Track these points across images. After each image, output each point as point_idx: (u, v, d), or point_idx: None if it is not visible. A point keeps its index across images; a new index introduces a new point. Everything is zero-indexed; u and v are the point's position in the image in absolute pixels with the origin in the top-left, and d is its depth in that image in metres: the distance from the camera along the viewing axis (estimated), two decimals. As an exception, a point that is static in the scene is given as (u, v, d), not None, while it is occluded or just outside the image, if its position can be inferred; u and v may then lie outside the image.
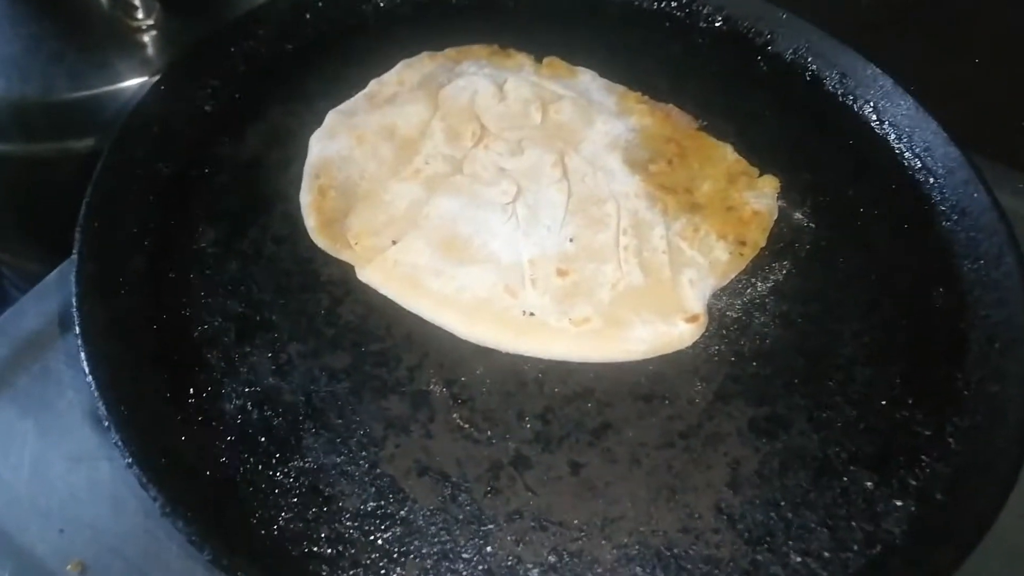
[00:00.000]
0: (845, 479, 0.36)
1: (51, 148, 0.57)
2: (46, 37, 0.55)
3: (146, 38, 0.56)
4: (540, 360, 0.39)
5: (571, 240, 0.43)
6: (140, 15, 0.55)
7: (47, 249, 0.65)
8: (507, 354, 0.39)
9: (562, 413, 0.37)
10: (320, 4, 0.52)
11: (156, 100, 0.44)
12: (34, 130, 0.56)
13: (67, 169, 0.59)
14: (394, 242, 0.42)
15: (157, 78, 0.45)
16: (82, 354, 0.34)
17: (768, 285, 0.42)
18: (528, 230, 0.43)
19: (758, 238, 0.44)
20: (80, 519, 0.37)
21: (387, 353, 0.38)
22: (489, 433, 0.36)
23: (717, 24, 0.55)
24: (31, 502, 0.37)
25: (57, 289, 0.45)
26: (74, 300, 0.36)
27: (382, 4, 0.53)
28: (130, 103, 0.54)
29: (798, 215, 0.45)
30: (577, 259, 0.42)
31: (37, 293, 0.45)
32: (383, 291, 0.40)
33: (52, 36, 0.55)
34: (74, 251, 0.38)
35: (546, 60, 0.52)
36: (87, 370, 0.34)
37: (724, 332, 0.40)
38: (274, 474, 0.34)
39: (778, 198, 0.46)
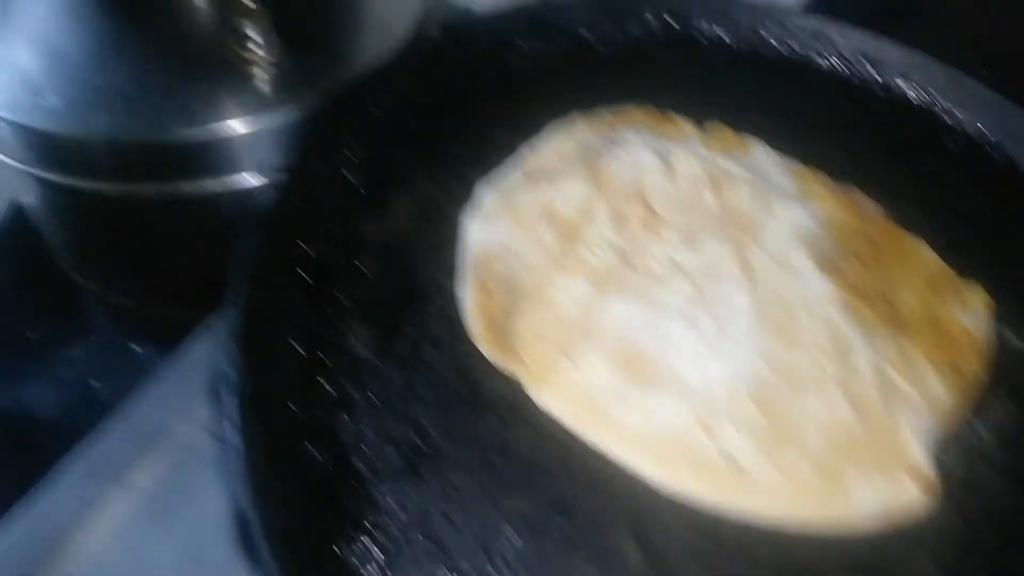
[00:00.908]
0: None
1: (153, 189, 0.53)
2: (153, 69, 0.51)
3: (261, 73, 0.51)
4: (743, 515, 0.34)
5: (764, 359, 0.38)
6: (256, 48, 0.50)
7: (139, 287, 0.61)
8: (703, 504, 0.34)
9: (774, 585, 0.32)
10: (459, 53, 0.46)
11: (296, 168, 0.39)
12: (138, 169, 0.51)
13: (171, 208, 0.55)
14: (567, 355, 0.37)
15: (294, 145, 0.40)
16: (244, 492, 0.30)
17: (994, 436, 0.37)
18: (713, 343, 0.38)
19: (975, 368, 0.39)
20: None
21: (566, 495, 0.34)
22: (694, 608, 0.31)
23: (896, 90, 0.50)
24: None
25: (187, 373, 0.41)
26: (238, 431, 0.31)
27: (526, 53, 0.48)
28: (247, 150, 0.50)
29: (1018, 342, 0.40)
30: (775, 385, 0.37)
31: (165, 377, 0.40)
32: (559, 417, 0.36)
33: (160, 68, 0.51)
34: (221, 353, 0.33)
35: (711, 127, 0.46)
36: (250, 509, 0.30)
37: (949, 491, 0.35)
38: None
39: (990, 314, 0.41)
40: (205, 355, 0.44)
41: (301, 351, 0.36)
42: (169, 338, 0.72)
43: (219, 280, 0.63)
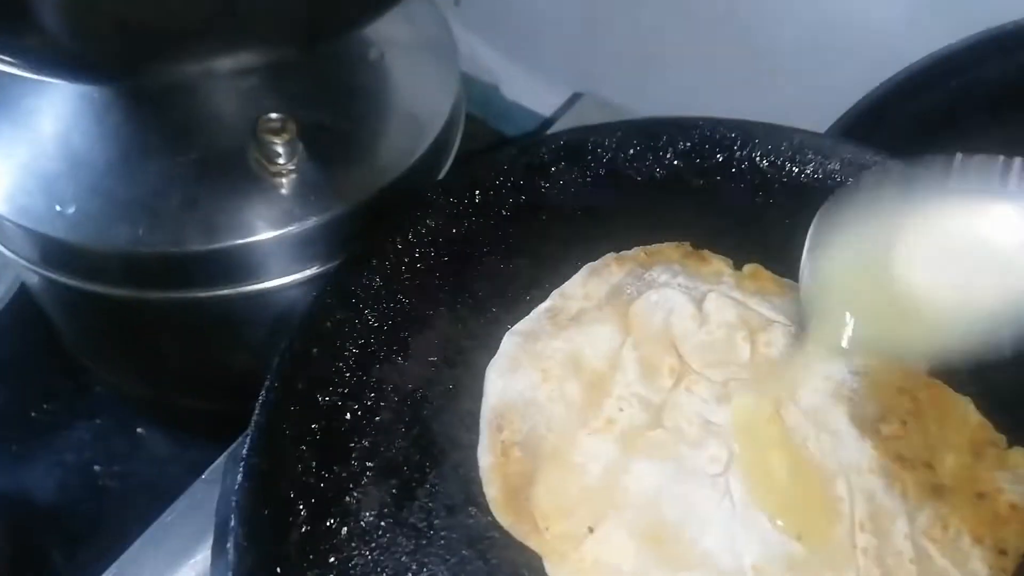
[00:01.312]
0: None
1: (170, 296, 0.52)
2: (176, 179, 0.50)
3: (285, 184, 0.50)
4: None
5: (799, 535, 0.36)
6: (281, 160, 0.49)
7: (149, 373, 0.60)
8: None
9: None
10: (497, 183, 0.45)
11: (318, 314, 0.38)
12: (154, 278, 0.51)
13: (182, 312, 0.54)
14: (591, 529, 0.35)
15: (318, 287, 0.39)
16: None
17: None
18: (746, 517, 0.36)
19: (1020, 544, 0.37)
20: None
21: None
22: None
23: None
24: None
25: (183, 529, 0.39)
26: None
27: (561, 184, 0.46)
28: (267, 259, 0.49)
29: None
30: (810, 566, 0.35)
31: (167, 529, 0.39)
32: None
33: (183, 179, 0.50)
34: (230, 528, 0.32)
35: (747, 268, 0.45)
36: None
37: None
38: None
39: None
40: (211, 498, 0.42)
41: (308, 518, 0.34)
42: (175, 423, 0.71)
43: (227, 374, 0.62)
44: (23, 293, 0.66)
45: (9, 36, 0.41)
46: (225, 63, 0.44)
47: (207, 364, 0.60)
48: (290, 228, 0.49)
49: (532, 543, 0.35)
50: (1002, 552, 0.36)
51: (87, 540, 0.64)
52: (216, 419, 0.66)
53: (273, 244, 0.50)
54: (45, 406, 0.72)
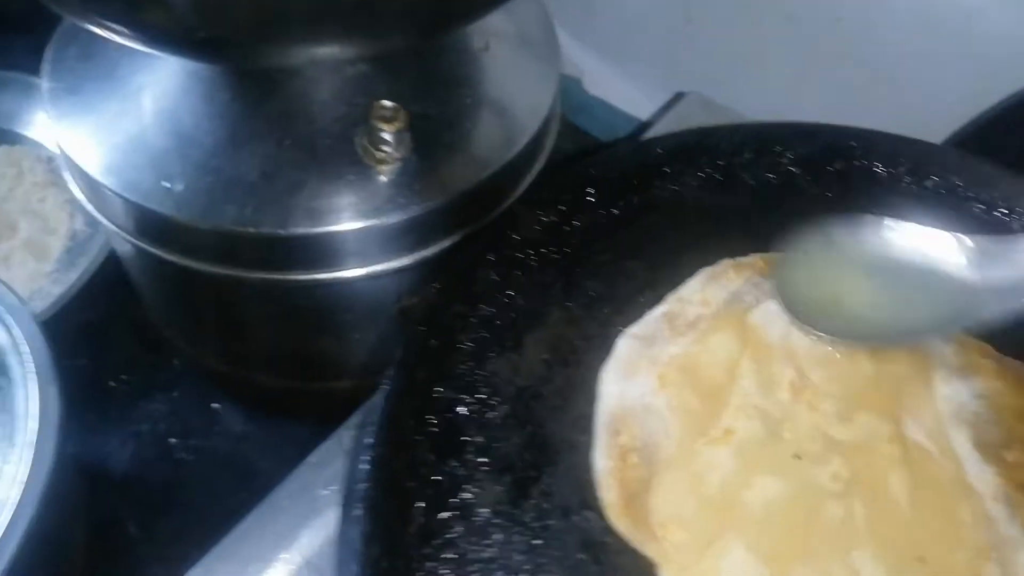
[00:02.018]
0: None
1: (265, 277, 0.52)
2: (283, 162, 0.50)
3: (388, 172, 0.51)
4: None
5: (919, 559, 0.35)
6: (389, 148, 0.49)
7: (238, 356, 0.61)
8: None
9: None
10: (610, 181, 0.45)
11: (436, 304, 0.38)
12: (251, 258, 0.51)
13: (271, 293, 0.54)
14: (712, 541, 0.35)
15: (437, 277, 0.39)
16: None
17: None
18: (865, 537, 0.35)
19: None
20: None
21: None
22: None
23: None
24: None
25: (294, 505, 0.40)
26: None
27: (674, 185, 0.46)
28: (358, 245, 0.49)
29: None
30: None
31: (275, 508, 0.39)
32: None
33: (289, 162, 0.51)
34: (356, 525, 0.32)
35: (866, 279, 0.44)
36: None
37: None
38: None
39: None
40: (315, 482, 0.43)
41: (424, 512, 0.34)
42: (253, 401, 0.72)
43: (311, 356, 0.63)
44: (110, 262, 0.67)
45: (131, 9, 0.42)
46: (349, 49, 0.44)
47: (291, 345, 0.61)
48: (388, 216, 0.49)
49: (650, 551, 0.35)
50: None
51: (162, 512, 0.65)
52: (292, 398, 0.67)
53: (368, 231, 0.50)
54: (123, 376, 0.73)
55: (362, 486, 0.32)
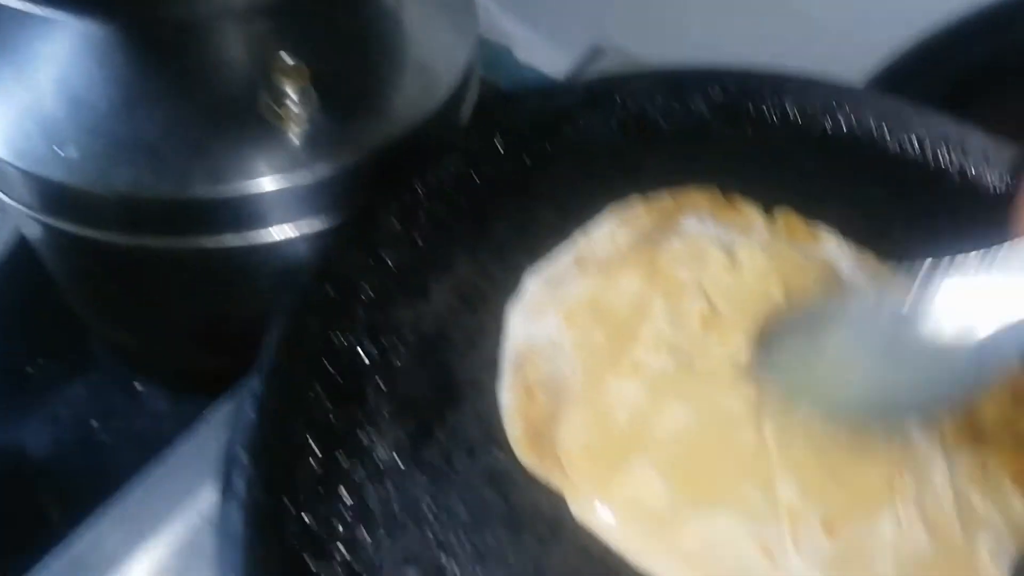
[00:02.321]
0: None
1: (170, 243, 0.50)
2: (182, 122, 0.49)
3: (296, 133, 0.49)
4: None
5: (834, 476, 0.35)
6: (293, 106, 0.48)
7: (148, 328, 0.59)
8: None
9: None
10: (512, 125, 0.44)
11: (333, 253, 0.37)
12: (157, 223, 0.49)
13: (185, 261, 0.52)
14: (617, 469, 0.34)
15: (336, 224, 0.38)
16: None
17: None
18: (782, 456, 0.35)
19: (1063, 488, 0.36)
20: None
21: (617, 634, 0.31)
22: None
23: (977, 177, 0.47)
24: None
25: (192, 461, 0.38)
26: (241, 552, 0.28)
27: (583, 127, 0.45)
28: (272, 207, 0.48)
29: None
30: (846, 506, 0.34)
31: (171, 464, 0.38)
32: (605, 537, 0.33)
33: (189, 122, 0.49)
34: (235, 462, 0.31)
35: (780, 215, 0.44)
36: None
37: None
38: None
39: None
40: (215, 439, 0.41)
41: (320, 455, 0.33)
42: (175, 380, 0.70)
43: (231, 328, 0.61)
44: (21, 246, 0.65)
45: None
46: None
47: (209, 318, 0.59)
48: (299, 176, 0.48)
49: (557, 483, 0.34)
50: (1043, 495, 0.36)
51: (83, 495, 0.63)
52: (216, 376, 0.65)
53: (280, 192, 0.49)
54: (40, 361, 0.71)
55: (245, 433, 0.31)
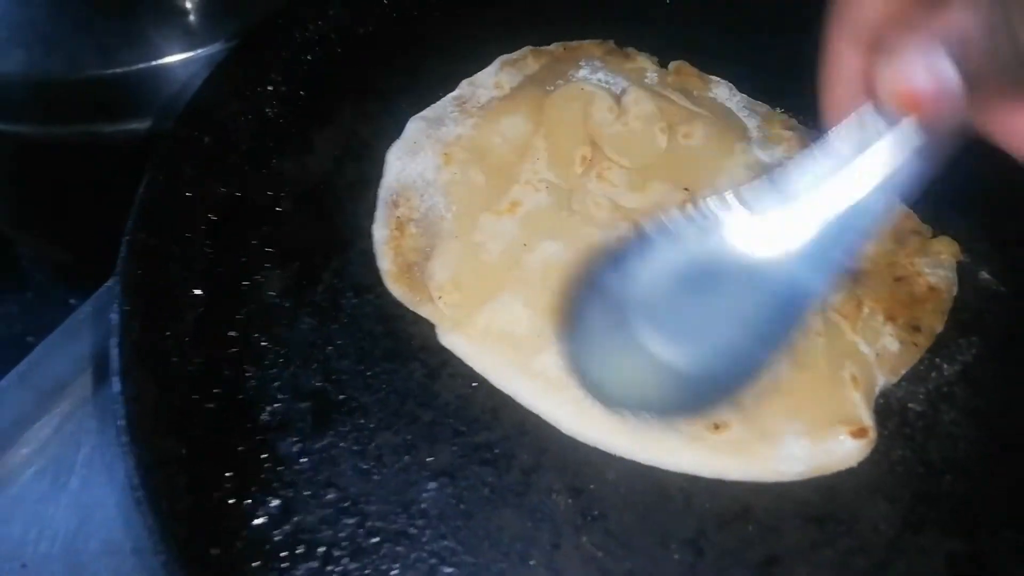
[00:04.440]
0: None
1: (76, 131, 0.50)
2: (72, 3, 0.48)
3: (185, 6, 0.48)
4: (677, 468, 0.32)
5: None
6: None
7: (76, 237, 0.59)
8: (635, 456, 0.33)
9: (716, 540, 0.31)
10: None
11: (208, 101, 0.37)
12: (57, 110, 0.49)
13: (100, 152, 0.52)
14: (487, 300, 0.35)
15: (208, 73, 0.38)
16: (126, 453, 0.28)
17: (955, 369, 0.36)
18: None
19: (934, 322, 0.38)
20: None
21: (496, 447, 0.33)
22: (629, 566, 0.30)
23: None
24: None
25: (91, 324, 0.38)
26: (116, 380, 0.29)
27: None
28: (170, 90, 0.47)
29: (983, 274, 0.39)
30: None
31: (69, 329, 0.38)
32: (472, 364, 0.34)
33: (79, 2, 0.48)
34: (114, 304, 0.31)
35: (673, 65, 0.44)
36: (131, 468, 0.28)
37: (907, 432, 0.34)
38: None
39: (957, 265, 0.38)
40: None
41: (204, 299, 0.34)
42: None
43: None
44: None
45: None
46: None
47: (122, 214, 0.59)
48: (193, 51, 0.47)
49: (425, 312, 0.35)
50: (915, 328, 0.37)
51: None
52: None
53: (174, 73, 0.48)
54: (-28, 283, 0.70)
55: (121, 277, 0.31)
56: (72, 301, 0.69)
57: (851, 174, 0.25)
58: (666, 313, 0.27)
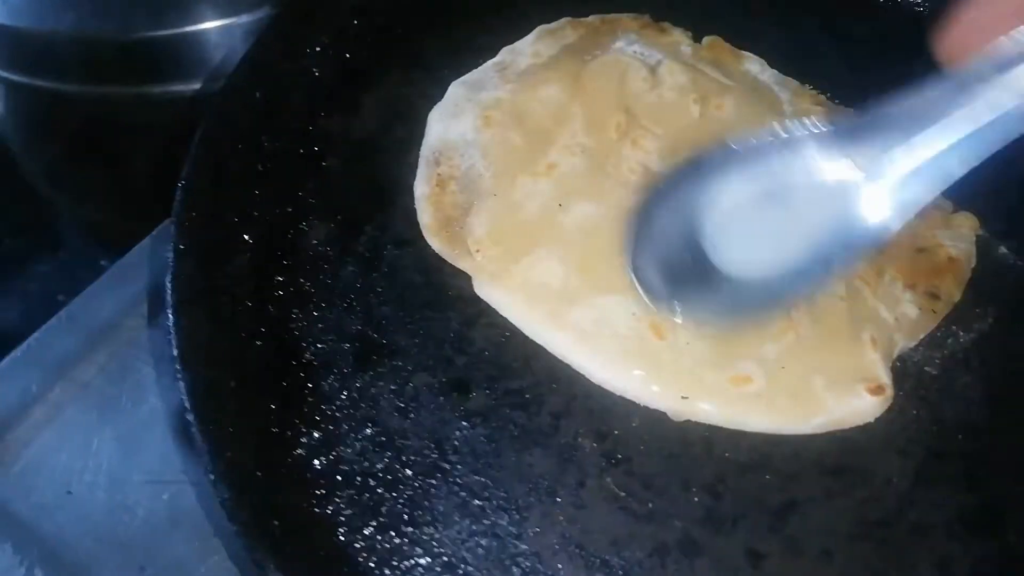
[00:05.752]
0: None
1: (121, 91, 0.52)
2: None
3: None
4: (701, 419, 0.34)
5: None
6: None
7: (111, 198, 0.61)
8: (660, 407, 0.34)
9: (735, 486, 0.33)
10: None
11: (259, 61, 0.39)
12: (105, 69, 0.51)
13: (143, 114, 0.54)
14: (523, 255, 0.37)
15: (257, 36, 0.40)
16: (179, 379, 0.30)
17: (971, 336, 0.38)
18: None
19: (953, 291, 0.39)
20: (163, 557, 0.33)
21: (527, 393, 0.34)
22: (651, 506, 0.32)
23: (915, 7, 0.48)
24: (110, 531, 0.33)
25: (139, 269, 0.41)
26: (170, 312, 0.31)
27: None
28: (216, 54, 0.49)
29: (1002, 249, 0.40)
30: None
31: (117, 273, 0.40)
32: (507, 315, 0.36)
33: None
34: (169, 243, 0.33)
35: (707, 40, 0.46)
36: (184, 392, 0.30)
37: (923, 393, 0.36)
38: (400, 542, 0.30)
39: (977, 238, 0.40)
40: (157, 251, 0.44)
41: (253, 245, 0.36)
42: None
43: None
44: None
45: None
46: None
47: (163, 175, 0.61)
48: (242, 15, 0.49)
49: (463, 265, 0.37)
50: (934, 296, 0.39)
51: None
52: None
53: (223, 36, 0.50)
54: (7, 241, 0.72)
55: (177, 218, 0.33)
56: (103, 262, 0.71)
57: (983, 98, 0.24)
58: (731, 220, 0.28)
